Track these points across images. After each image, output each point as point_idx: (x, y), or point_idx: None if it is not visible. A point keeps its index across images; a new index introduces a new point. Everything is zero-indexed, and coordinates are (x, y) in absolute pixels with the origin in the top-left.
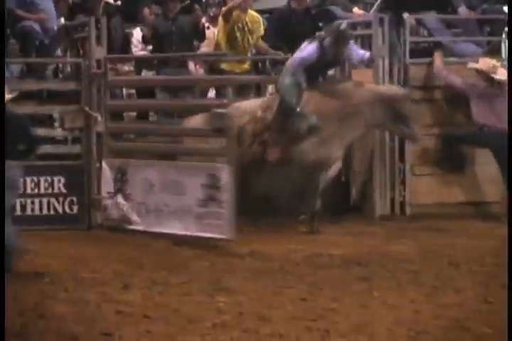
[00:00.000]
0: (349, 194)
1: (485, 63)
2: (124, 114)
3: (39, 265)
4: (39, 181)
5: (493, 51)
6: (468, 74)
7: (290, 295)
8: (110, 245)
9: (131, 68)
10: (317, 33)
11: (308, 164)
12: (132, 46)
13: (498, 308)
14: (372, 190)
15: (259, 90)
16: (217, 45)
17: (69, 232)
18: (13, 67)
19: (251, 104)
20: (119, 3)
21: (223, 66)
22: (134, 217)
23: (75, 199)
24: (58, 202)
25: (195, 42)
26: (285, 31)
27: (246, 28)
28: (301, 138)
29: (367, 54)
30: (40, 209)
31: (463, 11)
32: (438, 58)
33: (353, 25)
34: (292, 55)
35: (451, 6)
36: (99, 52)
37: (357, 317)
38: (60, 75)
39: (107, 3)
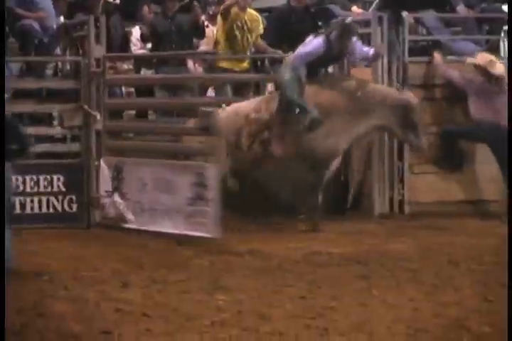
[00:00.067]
0: (348, 192)
1: (483, 58)
2: (124, 112)
3: (38, 263)
4: (38, 179)
5: (492, 49)
6: (467, 71)
7: (289, 293)
8: (109, 243)
9: (131, 67)
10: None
11: (315, 156)
12: (131, 45)
13: (497, 306)
14: (371, 189)
15: (258, 89)
16: (216, 44)
17: (68, 231)
18: (13, 65)
19: (243, 107)
20: (118, 1)
21: (222, 64)
22: (129, 216)
23: (74, 197)
24: (57, 201)
25: (195, 41)
26: (284, 30)
27: (245, 27)
28: (305, 131)
29: (371, 50)
30: (40, 207)
31: (461, 9)
32: (437, 56)
33: None
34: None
35: (449, 5)
36: (99, 50)
37: (356, 315)
38: (60, 74)
39: (106, 2)
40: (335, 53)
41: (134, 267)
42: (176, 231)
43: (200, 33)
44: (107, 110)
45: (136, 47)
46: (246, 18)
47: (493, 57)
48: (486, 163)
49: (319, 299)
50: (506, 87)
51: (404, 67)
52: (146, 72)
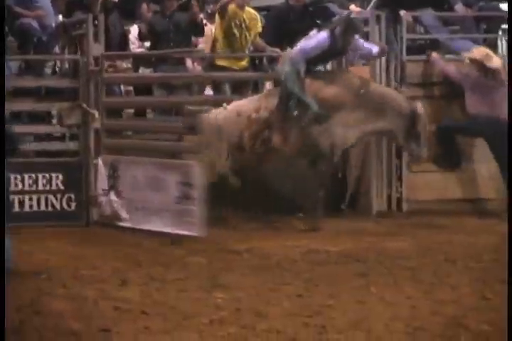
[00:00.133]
0: (346, 190)
1: (479, 52)
2: (123, 111)
3: (37, 261)
4: (37, 178)
5: (490, 48)
6: (463, 66)
7: (287, 291)
8: (108, 242)
9: (129, 65)
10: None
11: (320, 150)
12: (130, 43)
13: (495, 304)
14: (369, 187)
15: (256, 87)
16: (214, 42)
17: (67, 229)
18: (12, 64)
19: (245, 107)
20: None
21: (221, 63)
22: (124, 214)
23: (72, 196)
24: (56, 199)
25: (193, 39)
26: (283, 28)
27: (243, 25)
28: (310, 125)
29: (375, 48)
30: (38, 205)
31: (459, 8)
32: (435, 54)
33: None
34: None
35: (447, 3)
36: (97, 49)
37: (354, 313)
38: (58, 72)
39: (105, 0)
40: (338, 48)
41: (132, 265)
42: (166, 230)
43: (199, 31)
44: (104, 108)
45: (135, 45)
46: (244, 16)
47: (489, 51)
48: (484, 162)
49: (317, 297)
50: (504, 81)
51: (402, 65)
52: (144, 71)
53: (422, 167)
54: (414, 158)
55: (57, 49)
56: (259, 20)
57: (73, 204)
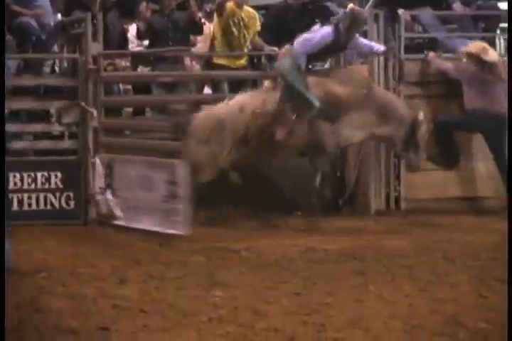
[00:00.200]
0: (344, 189)
1: (475, 46)
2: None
3: (36, 260)
4: (36, 176)
5: None
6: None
7: (286, 289)
8: (106, 240)
9: (128, 64)
10: (331, 17)
11: (325, 147)
12: (129, 42)
13: (492, 302)
14: (368, 185)
15: (255, 86)
16: (212, 40)
17: (65, 227)
18: (10, 62)
19: (247, 103)
20: None
21: (220, 61)
22: (118, 213)
23: (71, 194)
24: (55, 197)
25: (192, 38)
26: (281, 27)
27: (242, 24)
28: (313, 121)
29: (381, 47)
30: (37, 204)
31: (458, 7)
32: (432, 53)
33: None
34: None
35: (445, 2)
36: (96, 48)
37: (352, 311)
38: (57, 71)
39: None
40: (340, 44)
41: (131, 263)
42: (155, 229)
43: (198, 29)
44: (103, 107)
45: (134, 44)
46: (243, 15)
47: (485, 45)
48: (482, 160)
49: (315, 295)
50: (501, 75)
51: (400, 64)
52: (143, 70)
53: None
54: (411, 167)
55: (56, 48)
56: (257, 19)
57: (72, 203)
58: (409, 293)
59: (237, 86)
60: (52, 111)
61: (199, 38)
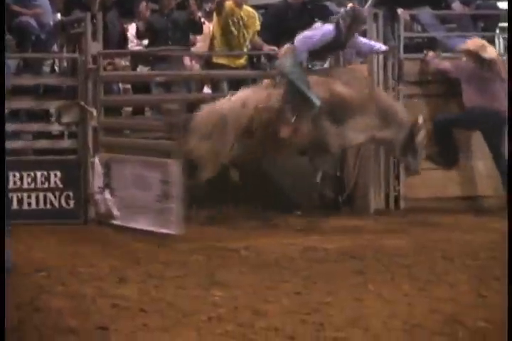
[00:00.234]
0: (344, 188)
1: (474, 43)
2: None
3: (35, 259)
4: (35, 176)
5: None
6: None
7: (285, 289)
8: (106, 239)
9: (128, 63)
10: (332, 17)
11: (328, 147)
12: (129, 41)
13: (492, 302)
14: (367, 185)
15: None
16: (212, 40)
17: (65, 227)
18: (10, 62)
19: (250, 98)
20: None
21: (219, 61)
22: (116, 212)
23: (71, 193)
24: (55, 197)
25: (191, 37)
26: (281, 26)
27: (241, 23)
28: (317, 121)
29: (383, 46)
30: (37, 203)
31: (457, 6)
32: (431, 53)
33: None
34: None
35: (445, 2)
36: (95, 47)
37: (352, 310)
38: (57, 70)
39: None
40: (341, 41)
41: (130, 263)
42: (150, 229)
43: (198, 29)
44: (102, 107)
45: (133, 43)
46: (242, 14)
47: (484, 42)
48: (481, 159)
49: (315, 294)
50: (500, 72)
51: (399, 63)
52: (142, 69)
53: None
54: (410, 171)
55: (55, 47)
56: (257, 18)
57: (72, 202)
58: (409, 292)
59: (237, 85)
60: (52, 110)
61: (199, 37)
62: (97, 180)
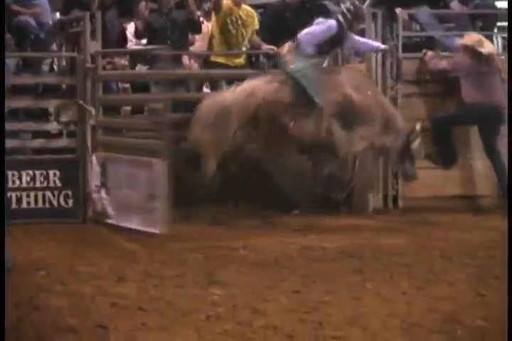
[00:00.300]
0: (343, 188)
1: (471, 38)
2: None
3: (34, 258)
4: (34, 175)
5: None
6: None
7: (284, 287)
8: (105, 238)
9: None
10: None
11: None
12: (128, 40)
13: (490, 300)
14: (365, 184)
15: None
16: (211, 39)
17: (64, 226)
18: (9, 61)
19: (258, 88)
20: None
21: (218, 59)
22: (110, 211)
23: (70, 192)
24: (53, 196)
25: (190, 36)
26: (279, 26)
27: (240, 22)
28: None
29: (381, 45)
30: (36, 202)
31: (455, 5)
32: (429, 53)
33: None
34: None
35: (443, 1)
36: (94, 46)
37: (351, 309)
38: (56, 69)
39: None
40: (341, 38)
41: (129, 262)
42: (139, 228)
43: (196, 28)
44: (100, 105)
45: (132, 43)
46: (241, 13)
47: (481, 37)
48: (480, 159)
49: (314, 293)
50: (498, 67)
51: (398, 63)
52: (141, 68)
53: (417, 164)
54: (408, 177)
55: (54, 46)
56: (255, 17)
57: (70, 201)
58: (407, 291)
59: (235, 84)
60: (51, 109)
61: (197, 36)
62: (94, 179)
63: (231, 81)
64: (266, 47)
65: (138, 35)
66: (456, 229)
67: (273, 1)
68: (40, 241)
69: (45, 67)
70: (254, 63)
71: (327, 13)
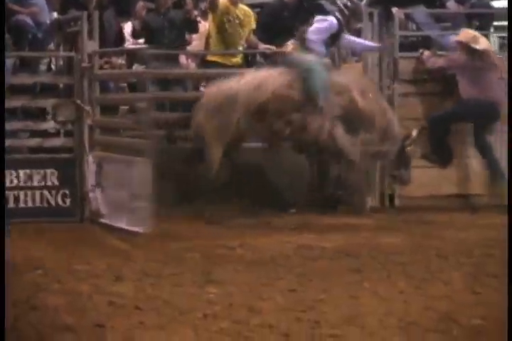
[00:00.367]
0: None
1: (465, 34)
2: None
3: (32, 257)
4: (32, 174)
5: None
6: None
7: (280, 286)
8: (102, 237)
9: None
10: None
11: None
12: (126, 40)
13: (486, 299)
14: (362, 183)
15: None
16: (208, 38)
17: (61, 225)
18: (6, 61)
19: (267, 80)
20: None
21: (214, 58)
22: (103, 210)
23: (67, 192)
24: (51, 195)
25: (187, 36)
26: (276, 25)
27: (237, 22)
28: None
29: (370, 43)
30: (33, 201)
31: (451, 5)
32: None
33: None
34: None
35: (439, 1)
36: (92, 46)
37: (348, 307)
38: (53, 68)
39: None
40: (339, 35)
41: (126, 260)
42: (125, 227)
43: (194, 27)
44: (97, 105)
45: (129, 42)
46: (238, 12)
47: (476, 33)
48: (476, 157)
49: (310, 292)
50: (494, 63)
51: (394, 62)
52: (138, 68)
53: (413, 163)
54: (402, 181)
55: (52, 46)
56: (252, 17)
57: (68, 201)
58: (404, 289)
59: None
60: (49, 109)
61: (194, 36)
62: (90, 178)
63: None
64: (263, 46)
65: (135, 34)
66: (452, 227)
67: (270, 1)
68: (37, 240)
69: (43, 67)
70: (250, 62)
71: (324, 13)
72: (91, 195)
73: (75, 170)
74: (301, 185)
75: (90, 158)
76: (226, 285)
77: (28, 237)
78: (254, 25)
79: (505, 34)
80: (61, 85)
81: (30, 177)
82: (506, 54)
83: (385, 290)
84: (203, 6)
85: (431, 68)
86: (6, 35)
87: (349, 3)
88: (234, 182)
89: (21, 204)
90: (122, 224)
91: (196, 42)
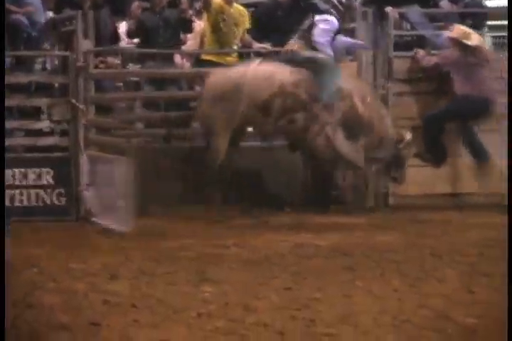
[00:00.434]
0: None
1: (458, 30)
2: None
3: (28, 256)
4: (27, 173)
5: None
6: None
7: (275, 285)
8: (98, 236)
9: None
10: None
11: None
12: (121, 39)
13: (480, 298)
14: (357, 182)
15: None
16: (203, 37)
17: (57, 224)
18: None
19: (277, 73)
20: None
21: (209, 57)
22: (94, 209)
23: (62, 190)
24: (46, 194)
25: (182, 35)
26: (271, 24)
27: (232, 21)
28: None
29: (360, 41)
30: (29, 200)
31: (445, 4)
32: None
33: None
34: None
35: (433, 0)
36: (87, 45)
37: (342, 306)
38: (48, 67)
39: None
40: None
41: (122, 259)
42: (112, 226)
43: (188, 27)
44: (91, 104)
45: (124, 42)
46: (232, 12)
47: (468, 29)
48: (469, 156)
49: (305, 290)
50: (487, 59)
51: (389, 61)
52: (133, 67)
53: (408, 162)
54: (396, 181)
55: (47, 45)
56: (247, 16)
57: (63, 199)
58: (399, 288)
59: None
60: (43, 107)
61: (189, 35)
62: (84, 177)
63: None
64: (257, 45)
65: (130, 34)
66: (446, 226)
67: (264, 0)
68: (32, 239)
69: (38, 66)
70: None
71: (318, 12)
72: (85, 193)
73: (70, 169)
74: (296, 184)
75: (84, 158)
76: (221, 284)
77: (23, 236)
78: (248, 25)
79: (498, 33)
80: (56, 84)
81: (25, 176)
82: (506, 54)
83: (379, 288)
84: (197, 5)
85: (426, 66)
86: None
87: (343, 0)
88: (232, 181)
89: (17, 203)
90: (109, 223)
91: (191, 42)
